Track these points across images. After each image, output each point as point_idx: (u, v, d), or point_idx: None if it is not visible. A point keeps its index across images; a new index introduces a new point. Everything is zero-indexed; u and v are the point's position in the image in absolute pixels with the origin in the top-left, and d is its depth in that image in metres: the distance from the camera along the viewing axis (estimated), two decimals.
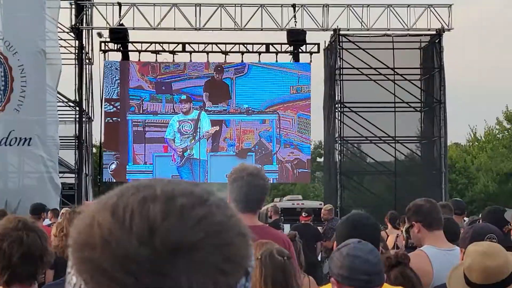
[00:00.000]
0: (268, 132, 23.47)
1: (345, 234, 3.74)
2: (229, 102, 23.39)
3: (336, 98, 23.21)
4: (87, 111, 23.45)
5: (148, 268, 0.85)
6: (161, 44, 23.70)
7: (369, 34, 23.04)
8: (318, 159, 53.55)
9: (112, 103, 23.42)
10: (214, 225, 0.89)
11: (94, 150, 28.73)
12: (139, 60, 23.68)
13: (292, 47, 23.59)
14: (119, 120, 23.33)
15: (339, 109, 23.12)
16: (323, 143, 30.04)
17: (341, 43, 23.09)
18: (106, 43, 23.47)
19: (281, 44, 23.69)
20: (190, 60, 23.85)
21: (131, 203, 0.89)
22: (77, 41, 22.77)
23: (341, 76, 23.26)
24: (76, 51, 22.83)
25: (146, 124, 23.35)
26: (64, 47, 22.84)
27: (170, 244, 0.86)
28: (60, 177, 20.68)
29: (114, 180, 23.27)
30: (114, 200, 0.91)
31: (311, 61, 24.00)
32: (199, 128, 22.82)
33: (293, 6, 22.73)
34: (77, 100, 22.84)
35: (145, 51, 23.66)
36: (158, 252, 0.86)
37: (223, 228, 0.90)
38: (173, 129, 22.87)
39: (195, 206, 0.90)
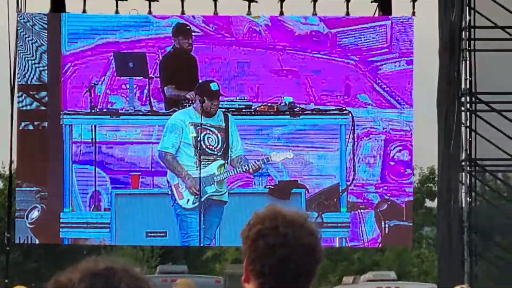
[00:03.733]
0: (330, 153, 16.34)
1: None
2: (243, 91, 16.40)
3: (463, 86, 17.14)
4: None
5: None
6: None
7: None
8: (428, 203, 39.69)
9: (33, 93, 17.26)
10: None
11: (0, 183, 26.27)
12: (84, 10, 17.46)
13: None
14: (45, 126, 17.13)
15: (468, 106, 17.42)
16: (436, 172, 23.88)
17: None
18: None
19: None
20: (182, 11, 16.70)
21: None
22: None
23: (471, 43, 17.00)
24: None
25: (99, 134, 16.88)
26: None
27: None
28: None
29: (37, 242, 17.30)
30: None
31: (414, 13, 17.38)
32: (232, 144, 15.89)
33: None
34: None
35: None
36: None
37: None
38: (179, 137, 15.50)
39: None
